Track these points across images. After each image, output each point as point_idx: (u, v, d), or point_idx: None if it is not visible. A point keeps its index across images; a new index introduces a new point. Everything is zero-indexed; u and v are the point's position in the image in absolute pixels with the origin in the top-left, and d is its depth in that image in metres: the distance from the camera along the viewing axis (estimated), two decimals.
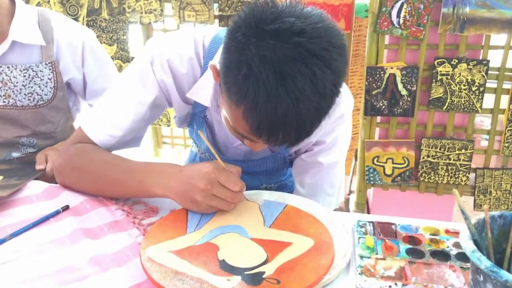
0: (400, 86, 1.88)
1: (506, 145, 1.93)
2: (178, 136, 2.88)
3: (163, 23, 2.46)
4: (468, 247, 0.62)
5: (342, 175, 1.17)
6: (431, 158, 1.98)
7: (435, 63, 1.84)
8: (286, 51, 0.69)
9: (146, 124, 1.09)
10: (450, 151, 1.95)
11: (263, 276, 0.71)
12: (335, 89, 0.75)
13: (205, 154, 1.26)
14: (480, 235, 0.68)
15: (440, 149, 1.95)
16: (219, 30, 1.02)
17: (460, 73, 1.84)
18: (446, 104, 1.89)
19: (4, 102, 1.32)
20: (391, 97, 1.90)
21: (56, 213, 0.93)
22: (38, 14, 1.33)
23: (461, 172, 1.98)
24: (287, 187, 1.30)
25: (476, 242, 0.64)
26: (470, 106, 1.87)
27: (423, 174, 2.01)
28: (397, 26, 1.83)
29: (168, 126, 2.71)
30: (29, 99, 1.34)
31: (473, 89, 1.85)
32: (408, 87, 1.88)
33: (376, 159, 2.02)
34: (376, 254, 0.83)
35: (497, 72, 1.86)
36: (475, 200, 2.04)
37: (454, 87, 1.86)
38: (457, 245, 0.85)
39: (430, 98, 1.89)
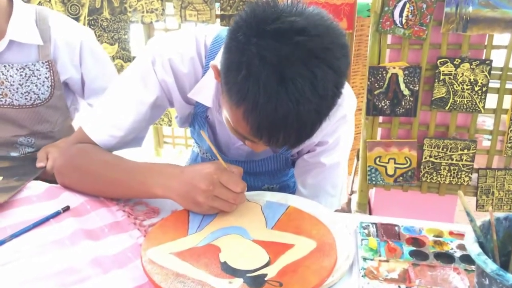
0: (402, 86, 1.87)
1: (509, 145, 1.92)
2: (180, 136, 2.87)
3: (165, 23, 2.45)
4: (474, 250, 0.61)
5: (344, 176, 1.17)
6: (434, 158, 1.97)
7: (438, 63, 1.83)
8: (287, 51, 0.68)
9: (148, 124, 1.08)
10: (453, 151, 1.94)
11: (265, 279, 0.71)
12: (336, 90, 0.74)
13: (206, 154, 1.25)
14: (485, 237, 0.67)
15: (442, 149, 1.95)
16: (221, 29, 1.01)
17: (462, 73, 1.83)
18: (449, 104, 1.88)
19: (0, 101, 1.31)
20: (393, 97, 1.89)
21: (57, 214, 0.92)
22: (36, 13, 1.32)
23: (463, 173, 1.97)
24: (289, 188, 1.30)
25: (481, 245, 0.63)
26: (473, 106, 1.86)
27: (425, 174, 2.00)
28: (400, 26, 1.82)
29: (170, 125, 2.71)
30: (26, 98, 1.33)
31: (476, 89, 1.84)
32: (411, 87, 1.87)
33: (378, 159, 2.01)
34: (379, 256, 0.82)
35: (500, 72, 1.85)
36: (477, 200, 2.03)
37: (456, 87, 1.85)
38: (461, 247, 0.84)
39: (433, 98, 1.88)
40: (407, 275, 0.77)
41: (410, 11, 1.79)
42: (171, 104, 1.07)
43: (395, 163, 2.00)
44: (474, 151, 1.92)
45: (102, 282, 0.74)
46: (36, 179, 1.12)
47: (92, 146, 1.02)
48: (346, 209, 2.30)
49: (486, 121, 2.65)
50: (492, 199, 2.03)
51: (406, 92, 1.88)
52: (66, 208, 0.94)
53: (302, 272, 0.72)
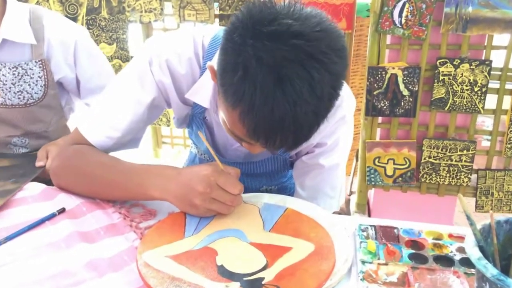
0: (401, 86, 1.87)
1: (509, 146, 1.91)
2: (178, 136, 2.86)
3: (163, 22, 2.45)
4: (474, 254, 0.60)
5: (343, 177, 1.16)
6: (433, 159, 1.96)
7: (437, 63, 1.83)
8: (284, 53, 0.67)
9: (145, 125, 1.07)
10: (452, 152, 1.94)
11: (263, 282, 0.70)
12: (334, 92, 0.73)
13: (204, 155, 1.24)
14: (486, 241, 0.66)
15: (441, 150, 1.94)
16: (219, 29, 1.00)
17: (462, 74, 1.82)
18: (448, 105, 1.87)
19: None
20: (393, 97, 1.88)
21: (52, 216, 0.91)
22: (30, 12, 1.31)
23: (463, 173, 1.96)
24: (288, 189, 1.29)
25: (481, 248, 0.63)
26: (472, 106, 1.86)
27: (425, 175, 1.99)
28: (399, 26, 1.81)
29: (168, 126, 2.70)
30: (19, 98, 1.32)
31: (476, 89, 1.83)
32: (410, 87, 1.86)
33: (377, 159, 2.00)
34: (378, 259, 0.81)
35: (500, 73, 1.85)
36: (476, 201, 2.02)
37: (456, 87, 1.84)
38: (461, 249, 0.83)
39: (432, 99, 1.87)
40: (406, 278, 0.76)
41: (409, 11, 1.79)
42: (168, 105, 1.06)
43: (394, 163, 2.00)
44: (474, 151, 1.92)
45: (97, 286, 0.73)
46: (36, 178, 1.11)
47: (89, 147, 1.01)
48: (345, 209, 2.29)
49: (485, 122, 2.65)
50: (492, 200, 2.02)
51: (405, 92, 1.87)
52: (62, 210, 0.93)
53: (300, 276, 0.71)
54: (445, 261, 0.80)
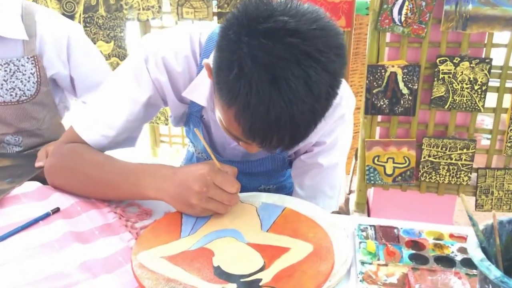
0: (401, 85, 1.85)
1: (509, 144, 1.90)
2: (176, 135, 2.84)
3: (161, 20, 2.43)
4: (477, 255, 0.59)
5: (342, 177, 1.14)
6: (432, 158, 1.95)
7: (437, 61, 1.81)
8: (279, 51, 0.66)
9: (141, 123, 1.06)
10: (452, 151, 1.92)
11: (260, 284, 0.68)
12: (331, 91, 0.72)
13: (202, 154, 1.23)
14: (488, 241, 0.64)
15: (441, 149, 1.93)
16: (216, 27, 0.98)
17: (462, 72, 1.81)
18: (448, 103, 1.86)
19: None
20: (392, 95, 1.87)
21: (46, 215, 0.90)
22: (22, 8, 1.30)
23: (462, 172, 1.95)
24: (286, 189, 1.27)
25: (483, 249, 0.61)
26: (472, 105, 1.84)
27: (424, 174, 1.98)
28: (399, 24, 1.80)
29: (166, 124, 2.68)
30: (11, 95, 1.30)
31: (476, 87, 1.82)
32: (410, 85, 1.85)
33: (376, 158, 1.99)
34: (378, 260, 0.79)
35: (500, 71, 1.84)
36: (476, 200, 2.01)
37: (456, 85, 1.83)
38: (462, 250, 0.82)
39: (432, 97, 1.86)
40: (406, 279, 0.75)
41: (409, 9, 1.78)
42: (165, 103, 1.04)
43: (393, 162, 1.99)
44: (474, 150, 1.91)
45: (91, 287, 0.72)
46: (35, 178, 1.09)
47: (84, 146, 1.00)
48: (344, 208, 2.28)
49: (484, 120, 2.63)
50: (492, 199, 2.01)
51: (405, 91, 1.86)
52: (56, 210, 0.92)
53: (298, 277, 0.70)
54: (446, 261, 0.79)
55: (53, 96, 1.40)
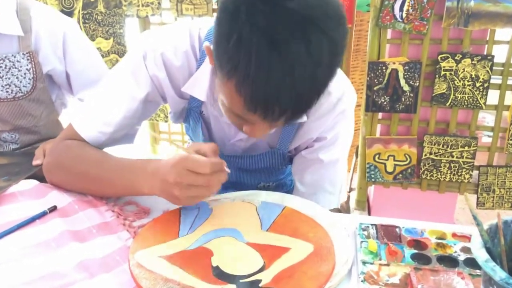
0: (402, 82, 1.84)
1: (511, 142, 1.89)
2: (176, 132, 2.83)
3: (161, 17, 2.42)
4: (481, 256, 0.57)
5: (344, 173, 1.13)
6: (434, 155, 1.94)
7: (439, 58, 1.80)
8: (279, 17, 0.65)
9: (139, 120, 1.04)
10: (453, 148, 1.91)
11: (260, 285, 0.67)
12: (333, 59, 0.70)
13: None
14: (492, 241, 0.63)
15: (442, 146, 1.92)
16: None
17: (464, 69, 1.79)
18: (450, 100, 1.84)
19: None
20: (393, 93, 1.86)
21: (43, 214, 0.88)
22: (17, 3, 1.28)
23: (464, 170, 1.94)
24: (286, 186, 1.26)
25: (488, 250, 0.60)
26: (474, 102, 1.83)
27: (425, 172, 1.97)
28: (400, 20, 1.79)
29: (166, 121, 2.67)
30: (7, 91, 1.29)
31: (477, 85, 1.81)
32: (411, 82, 1.84)
33: (377, 156, 1.98)
34: (380, 259, 0.78)
35: (502, 68, 1.82)
36: (478, 198, 2.00)
37: (457, 83, 1.81)
38: (465, 249, 0.80)
39: (433, 94, 1.85)
40: (408, 280, 0.73)
41: (410, 5, 1.76)
42: (164, 100, 1.03)
43: (394, 160, 1.97)
44: (475, 148, 1.90)
45: (88, 287, 0.70)
46: (32, 176, 1.08)
47: (81, 143, 0.99)
48: (345, 206, 2.26)
49: (486, 118, 2.62)
50: (493, 197, 2.00)
51: (406, 88, 1.85)
52: (53, 208, 0.90)
53: (298, 278, 0.69)
54: (449, 261, 0.78)
55: (50, 93, 1.38)
